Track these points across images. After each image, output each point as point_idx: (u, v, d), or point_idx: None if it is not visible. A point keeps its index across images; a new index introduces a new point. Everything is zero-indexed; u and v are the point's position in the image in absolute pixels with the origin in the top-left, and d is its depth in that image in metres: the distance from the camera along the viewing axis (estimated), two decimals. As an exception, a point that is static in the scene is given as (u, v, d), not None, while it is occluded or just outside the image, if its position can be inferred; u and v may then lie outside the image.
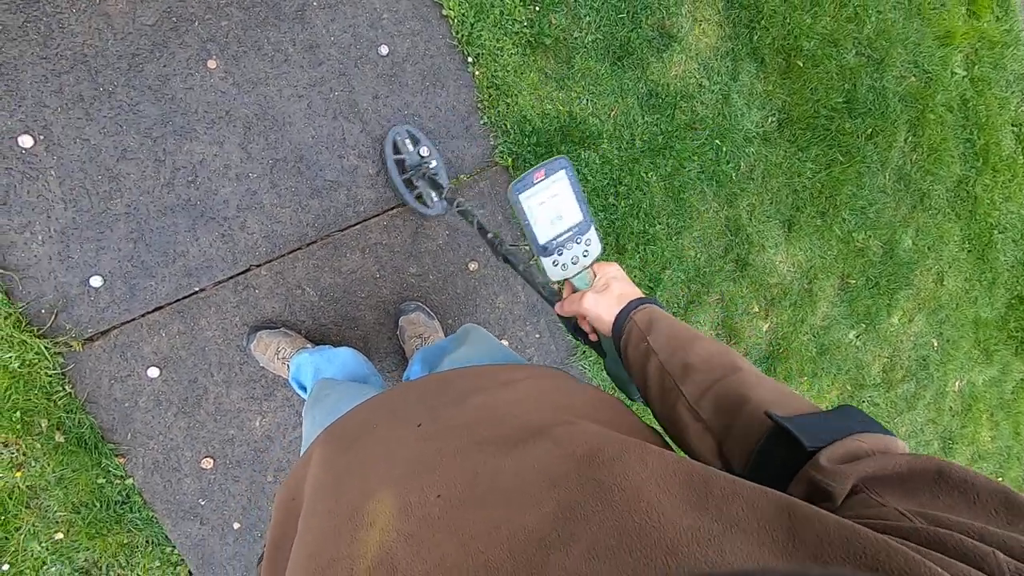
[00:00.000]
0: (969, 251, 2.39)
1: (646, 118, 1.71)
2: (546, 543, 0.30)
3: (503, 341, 1.69)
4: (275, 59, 1.38)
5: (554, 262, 0.66)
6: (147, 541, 1.45)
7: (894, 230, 2.16)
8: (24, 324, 1.28)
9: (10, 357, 1.26)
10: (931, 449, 2.47)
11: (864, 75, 2.00)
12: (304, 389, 1.32)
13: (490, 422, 0.45)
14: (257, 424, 1.50)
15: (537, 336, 1.74)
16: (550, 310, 1.73)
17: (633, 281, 1.84)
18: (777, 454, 0.40)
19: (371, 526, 0.36)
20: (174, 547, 1.48)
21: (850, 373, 2.18)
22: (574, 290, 0.69)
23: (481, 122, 1.56)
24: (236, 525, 1.52)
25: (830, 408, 0.43)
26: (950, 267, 2.34)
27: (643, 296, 0.64)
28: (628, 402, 0.76)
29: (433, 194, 1.45)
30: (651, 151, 1.73)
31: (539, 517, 0.32)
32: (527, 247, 1.13)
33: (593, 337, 0.71)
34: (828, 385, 2.14)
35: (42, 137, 1.25)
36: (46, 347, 1.29)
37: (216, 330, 1.42)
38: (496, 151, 1.59)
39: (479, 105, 1.56)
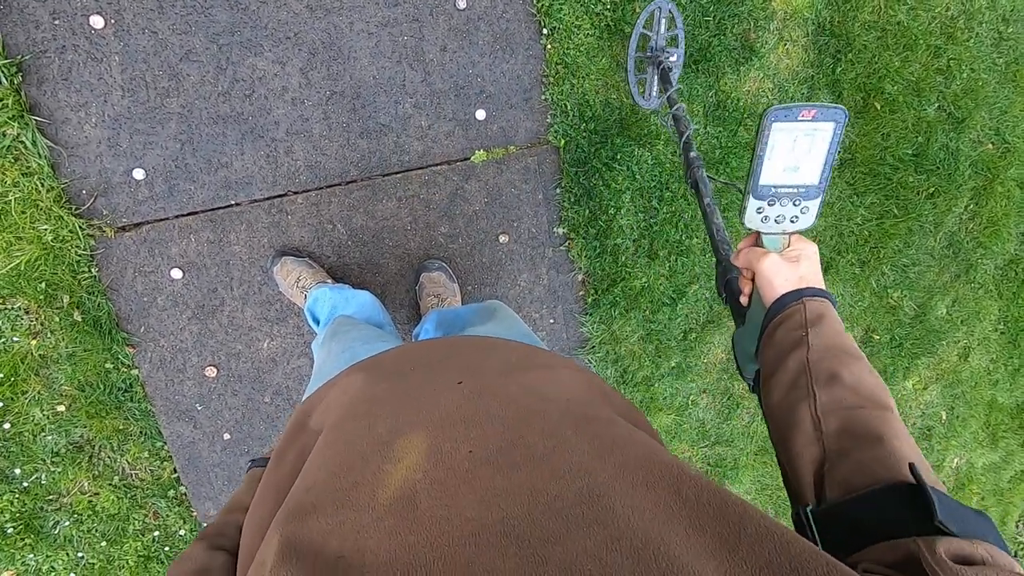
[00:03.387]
0: (1003, 333, 2.25)
1: (708, 128, 1.62)
2: (568, 517, 0.29)
3: (516, 319, 1.64)
4: (353, -10, 1.32)
5: (759, 209, 0.58)
6: (141, 432, 1.46)
7: (931, 295, 2.04)
8: (64, 201, 1.27)
9: (45, 229, 1.26)
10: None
11: (940, 132, 1.87)
12: (317, 322, 1.30)
13: (534, 398, 0.43)
14: (265, 345, 1.49)
15: (552, 322, 1.68)
16: (570, 298, 1.68)
17: (658, 290, 1.74)
18: (887, 509, 0.37)
19: (399, 461, 0.36)
20: (165, 443, 1.49)
21: (851, 426, 2.09)
22: (756, 243, 0.61)
23: (542, 97, 1.49)
24: (227, 436, 1.52)
25: (973, 507, 0.38)
26: (979, 344, 2.21)
27: (826, 290, 0.57)
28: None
29: (657, 87, 1.34)
30: (705, 163, 1.63)
31: (565, 489, 0.31)
32: (722, 184, 1.07)
33: (744, 300, 0.65)
34: (826, 433, 2.06)
35: (113, 21, 1.22)
36: (80, 227, 1.28)
37: (243, 246, 1.40)
38: (551, 129, 1.52)
39: (544, 80, 1.48)
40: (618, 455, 0.35)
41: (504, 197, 1.53)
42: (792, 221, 0.58)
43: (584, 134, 1.52)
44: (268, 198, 1.39)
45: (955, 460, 2.38)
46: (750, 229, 0.61)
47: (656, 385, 1.78)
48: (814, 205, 0.58)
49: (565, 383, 0.49)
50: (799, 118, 0.54)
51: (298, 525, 0.32)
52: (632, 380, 1.76)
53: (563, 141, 1.52)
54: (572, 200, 1.56)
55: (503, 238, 1.56)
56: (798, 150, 0.55)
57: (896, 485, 0.38)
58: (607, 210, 1.58)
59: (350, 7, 1.33)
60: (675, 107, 1.12)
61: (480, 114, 1.47)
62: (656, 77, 1.34)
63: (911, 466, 0.38)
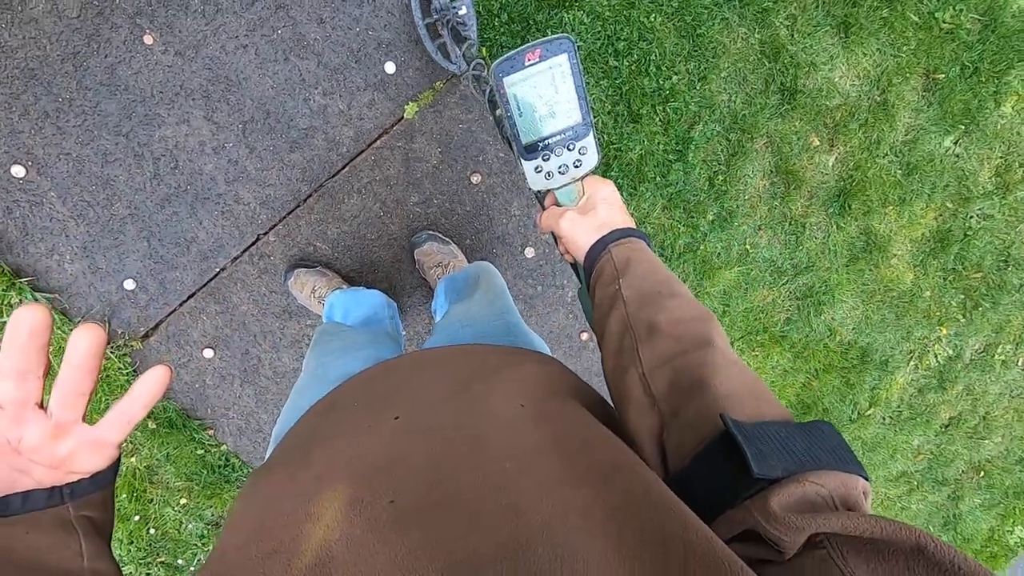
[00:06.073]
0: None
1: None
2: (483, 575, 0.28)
3: (528, 249, 1.62)
4: (206, 12, 1.30)
5: (537, 168, 0.56)
6: (258, 492, 1.66)
7: (995, -7, 1.72)
8: (87, 336, 1.43)
9: (87, 366, 1.42)
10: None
11: None
12: (336, 328, 1.37)
13: (476, 422, 0.43)
14: (315, 378, 1.60)
15: (565, 234, 1.64)
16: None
17: (659, 150, 1.65)
18: (717, 466, 0.34)
19: (318, 520, 0.35)
20: (282, 493, 1.69)
21: (950, 188, 1.87)
22: (556, 202, 0.60)
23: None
24: (328, 466, 1.69)
25: (803, 422, 0.35)
26: (1083, 21, 1.84)
27: (630, 227, 0.55)
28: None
29: (457, 48, 1.30)
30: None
31: (486, 540, 0.30)
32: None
33: (568, 259, 0.63)
34: (922, 209, 1.86)
35: (30, 163, 1.31)
36: (111, 352, 1.44)
37: (249, 304, 1.50)
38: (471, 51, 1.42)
39: (434, -4, 1.38)
40: (559, 493, 0.33)
41: (456, 137, 1.49)
42: (576, 166, 0.56)
43: (502, 29, 1.42)
44: (244, 250, 1.46)
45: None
46: (540, 191, 0.58)
47: (702, 247, 1.70)
48: (590, 141, 0.55)
49: (518, 386, 0.48)
50: (526, 63, 0.50)
51: None
52: (673, 255, 1.69)
53: (484, 50, 1.43)
54: (524, 105, 1.48)
55: (475, 178, 1.53)
56: (545, 95, 0.52)
57: (717, 438, 0.35)
58: (564, 96, 1.48)
59: (213, 31, 1.31)
60: (473, 64, 1.03)
61: (390, 67, 1.41)
62: (452, 38, 1.25)
63: (721, 416, 0.34)
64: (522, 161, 0.56)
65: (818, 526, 0.29)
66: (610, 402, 0.52)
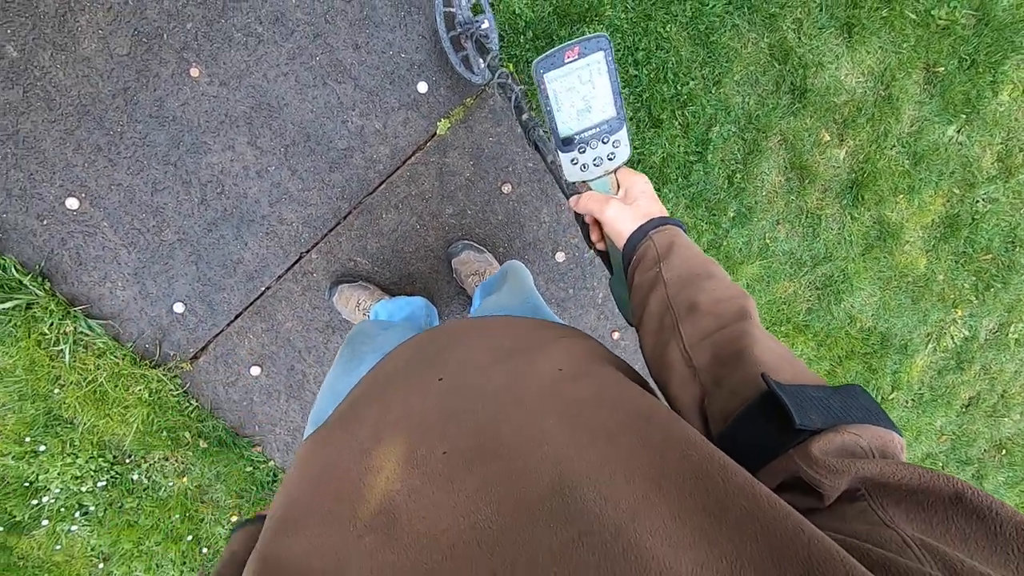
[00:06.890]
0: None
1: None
2: (536, 514, 0.30)
3: (559, 254, 1.70)
4: (248, 44, 1.38)
5: (573, 160, 0.60)
6: (305, 507, 1.71)
7: (986, -11, 1.82)
8: (138, 360, 1.48)
9: (140, 390, 1.48)
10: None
11: None
12: (382, 341, 1.43)
13: (516, 384, 0.45)
14: (358, 391, 1.66)
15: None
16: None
17: (679, 153, 1.73)
18: (760, 425, 0.37)
19: (379, 472, 0.38)
20: (329, 506, 1.73)
21: (956, 175, 1.96)
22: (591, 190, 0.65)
23: (469, 35, 1.48)
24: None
25: (837, 385, 0.39)
26: (1069, 11, 1.95)
27: (668, 216, 0.59)
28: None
29: (480, 60, 1.37)
30: (663, 0, 1.56)
31: (535, 483, 0.32)
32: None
33: (601, 246, 0.68)
34: (931, 196, 1.95)
35: (83, 195, 1.37)
36: (163, 374, 1.49)
37: (293, 320, 1.56)
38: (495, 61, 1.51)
39: (461, 17, 1.47)
40: (601, 444, 0.34)
41: (487, 150, 1.56)
42: (610, 159, 0.60)
43: (527, 45, 1.50)
44: (288, 269, 1.52)
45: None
46: (575, 182, 0.63)
47: (725, 243, 1.78)
48: (623, 135, 0.59)
49: (558, 354, 0.51)
50: (566, 60, 0.54)
51: (280, 543, 0.36)
52: (699, 250, 1.76)
53: (511, 65, 1.51)
54: (550, 116, 1.56)
55: (506, 188, 1.60)
56: (582, 91, 0.56)
57: (758, 400, 0.37)
58: (588, 106, 1.56)
59: (255, 61, 1.39)
60: (498, 74, 1.10)
61: (422, 87, 1.49)
62: (475, 50, 1.34)
63: (763, 375, 0.37)
64: (559, 153, 0.60)
65: (857, 469, 0.30)
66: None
